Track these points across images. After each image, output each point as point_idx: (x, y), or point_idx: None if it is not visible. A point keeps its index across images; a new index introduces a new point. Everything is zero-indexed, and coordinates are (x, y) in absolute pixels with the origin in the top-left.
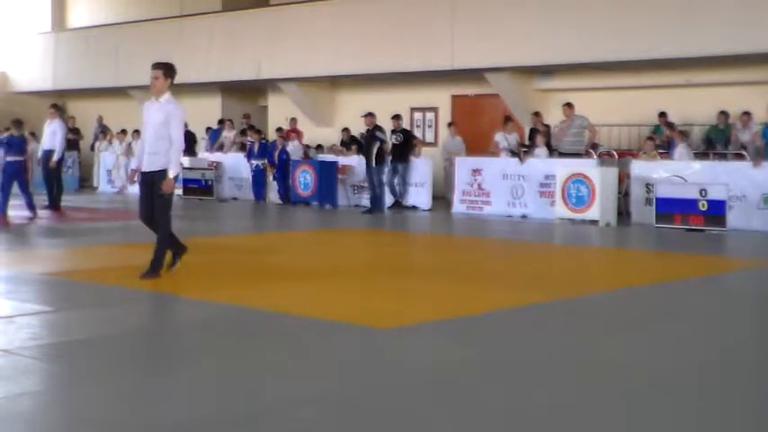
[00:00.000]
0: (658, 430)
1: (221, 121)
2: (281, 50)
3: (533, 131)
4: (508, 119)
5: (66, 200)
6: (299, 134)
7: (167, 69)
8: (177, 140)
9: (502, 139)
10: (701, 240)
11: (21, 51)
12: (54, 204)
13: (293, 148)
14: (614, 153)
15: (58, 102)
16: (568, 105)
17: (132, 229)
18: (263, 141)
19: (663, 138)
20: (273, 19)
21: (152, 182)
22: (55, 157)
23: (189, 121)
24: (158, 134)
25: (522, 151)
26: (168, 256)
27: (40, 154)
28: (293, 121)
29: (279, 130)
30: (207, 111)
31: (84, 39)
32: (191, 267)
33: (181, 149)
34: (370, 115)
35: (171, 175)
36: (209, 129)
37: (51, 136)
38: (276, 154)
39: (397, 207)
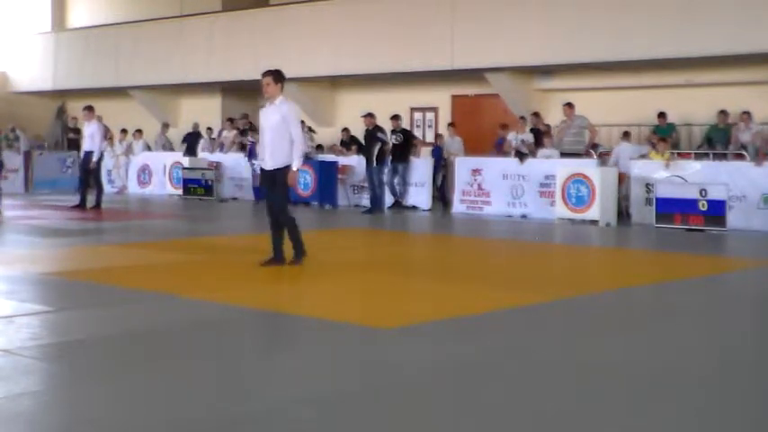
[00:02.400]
0: (658, 430)
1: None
2: (281, 50)
3: (535, 132)
4: (522, 118)
5: (67, 200)
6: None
7: (276, 75)
8: (297, 137)
9: (514, 138)
10: (701, 240)
11: (21, 51)
12: (96, 205)
13: None
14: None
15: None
16: (569, 105)
17: (132, 229)
18: None
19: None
20: (273, 19)
21: (273, 178)
22: (94, 158)
23: (188, 122)
24: (278, 134)
25: (528, 152)
26: (290, 249)
27: (81, 155)
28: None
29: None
30: (207, 111)
31: (84, 39)
32: (191, 267)
33: (302, 145)
34: (369, 115)
35: (294, 168)
36: (208, 129)
37: (90, 138)
38: None
39: (397, 207)
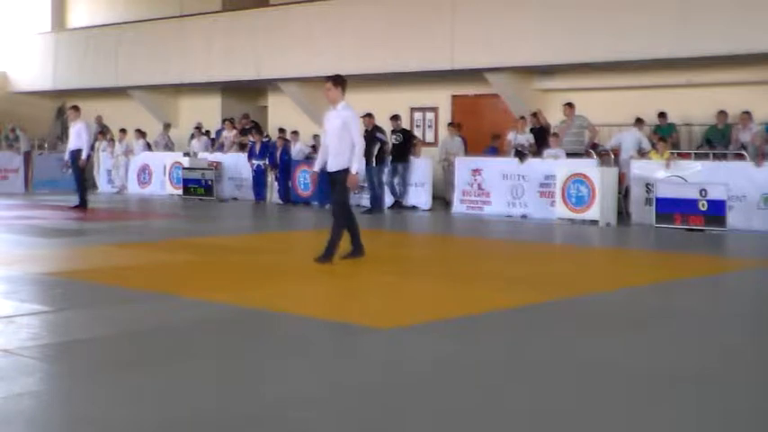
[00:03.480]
0: (658, 430)
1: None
2: (281, 50)
3: (536, 131)
4: (522, 118)
5: (66, 199)
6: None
7: (335, 80)
8: (358, 142)
9: (513, 137)
10: (701, 240)
11: (21, 51)
12: (81, 203)
13: (297, 149)
14: (611, 153)
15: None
16: (569, 105)
17: (132, 229)
18: (265, 141)
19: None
20: (273, 19)
21: (335, 180)
22: (83, 156)
23: (188, 122)
24: (339, 138)
25: (530, 152)
26: (346, 245)
27: (66, 155)
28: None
29: (281, 130)
30: (207, 111)
31: (84, 39)
32: (191, 267)
33: (362, 150)
34: (368, 116)
35: (353, 171)
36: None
37: (76, 137)
38: (278, 154)
39: (397, 207)
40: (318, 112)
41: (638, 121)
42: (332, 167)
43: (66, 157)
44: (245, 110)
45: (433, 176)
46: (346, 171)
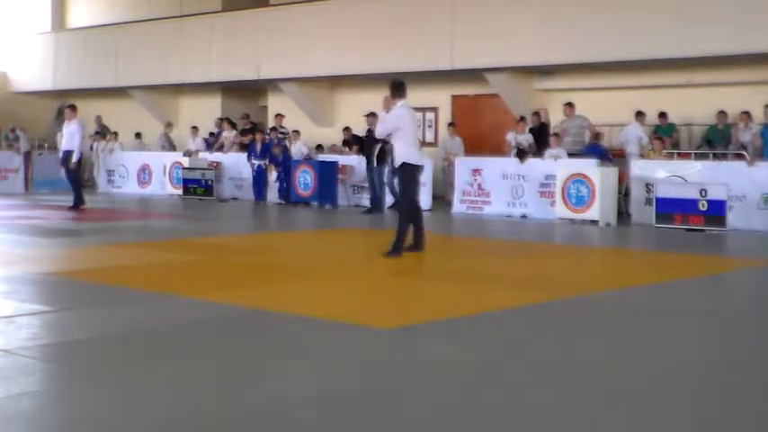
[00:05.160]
0: (658, 430)
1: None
2: (281, 50)
3: (536, 129)
4: (522, 119)
5: (66, 200)
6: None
7: (390, 86)
8: (377, 133)
9: (512, 138)
10: (701, 240)
11: (21, 51)
12: (74, 205)
13: (297, 149)
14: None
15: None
16: (569, 105)
17: (132, 229)
18: (267, 141)
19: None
20: (273, 19)
21: (400, 174)
22: (74, 158)
23: (188, 121)
24: (393, 135)
25: (530, 151)
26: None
27: (60, 155)
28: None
29: (281, 131)
30: (207, 111)
31: (85, 39)
32: (191, 267)
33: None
34: (372, 115)
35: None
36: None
37: (70, 137)
38: (279, 154)
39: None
40: (318, 112)
41: (639, 114)
42: (396, 162)
43: (60, 156)
44: (245, 110)
45: (434, 176)
46: (405, 164)
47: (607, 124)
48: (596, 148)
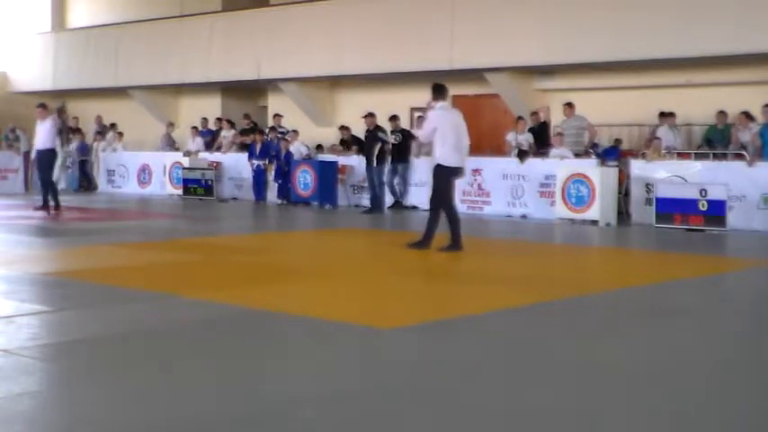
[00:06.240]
0: (658, 430)
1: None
2: (280, 50)
3: (536, 129)
4: (520, 118)
5: (66, 200)
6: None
7: (431, 88)
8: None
9: (513, 138)
10: (701, 240)
11: (21, 51)
12: (44, 205)
13: (296, 148)
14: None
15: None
16: (569, 105)
17: (132, 229)
18: (267, 141)
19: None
20: (273, 19)
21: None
22: (58, 158)
23: (188, 121)
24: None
25: (531, 151)
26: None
27: (33, 155)
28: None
29: (280, 131)
30: (207, 111)
31: (84, 39)
32: (191, 267)
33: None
34: (370, 115)
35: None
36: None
37: (44, 136)
38: (282, 153)
39: (397, 207)
40: (318, 112)
41: (665, 115)
42: (432, 162)
43: (35, 156)
44: (245, 110)
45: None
46: (438, 165)
47: (607, 124)
48: (614, 151)
